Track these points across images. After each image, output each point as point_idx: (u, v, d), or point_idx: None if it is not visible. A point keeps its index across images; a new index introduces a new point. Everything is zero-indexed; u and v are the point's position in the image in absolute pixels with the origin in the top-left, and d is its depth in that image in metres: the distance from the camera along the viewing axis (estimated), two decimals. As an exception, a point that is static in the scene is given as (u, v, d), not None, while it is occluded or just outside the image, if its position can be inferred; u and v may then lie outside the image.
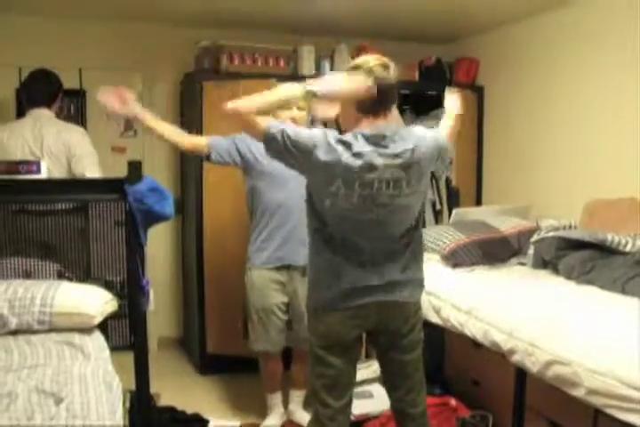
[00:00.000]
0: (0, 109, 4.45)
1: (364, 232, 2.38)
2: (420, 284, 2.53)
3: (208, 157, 3.27)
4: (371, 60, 2.38)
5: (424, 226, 4.50)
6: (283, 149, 2.30)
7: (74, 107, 4.58)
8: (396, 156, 2.32)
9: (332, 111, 2.53)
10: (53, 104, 3.76)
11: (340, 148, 2.28)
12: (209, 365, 4.27)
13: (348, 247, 2.38)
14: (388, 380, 2.61)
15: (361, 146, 2.30)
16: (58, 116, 3.81)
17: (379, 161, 2.29)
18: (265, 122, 2.33)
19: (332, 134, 2.33)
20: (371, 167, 2.28)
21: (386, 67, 2.35)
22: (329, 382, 2.48)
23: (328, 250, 2.40)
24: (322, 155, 2.27)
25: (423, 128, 2.51)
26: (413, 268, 2.48)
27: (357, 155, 2.28)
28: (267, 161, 3.11)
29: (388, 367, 2.58)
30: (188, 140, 3.25)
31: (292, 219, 3.22)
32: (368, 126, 2.35)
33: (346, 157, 2.27)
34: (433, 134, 2.47)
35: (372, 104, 2.34)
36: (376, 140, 2.32)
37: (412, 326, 2.49)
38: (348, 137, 2.32)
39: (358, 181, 2.29)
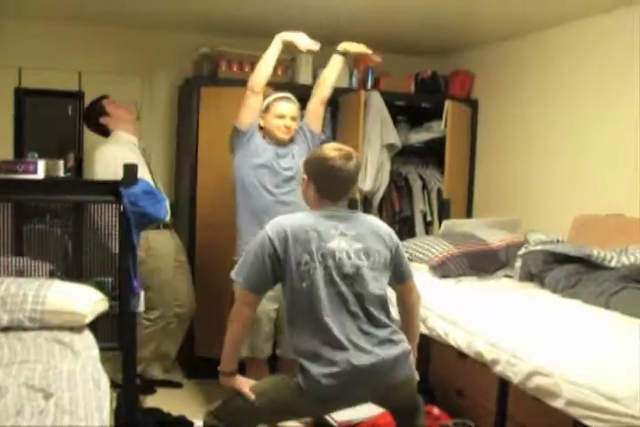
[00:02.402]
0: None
1: None
2: None
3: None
4: (333, 150, 2.48)
5: (414, 237, 4.57)
6: None
7: (72, 108, 4.60)
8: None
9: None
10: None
11: None
12: (196, 368, 4.29)
13: None
14: None
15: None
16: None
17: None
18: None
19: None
20: None
21: (348, 158, 2.45)
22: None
23: None
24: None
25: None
26: None
27: None
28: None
29: None
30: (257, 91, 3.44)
31: None
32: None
33: None
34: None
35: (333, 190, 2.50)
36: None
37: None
38: None
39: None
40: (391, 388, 2.43)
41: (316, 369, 2.31)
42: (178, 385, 4.14)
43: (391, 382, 2.40)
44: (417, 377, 2.58)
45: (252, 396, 2.40)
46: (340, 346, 2.32)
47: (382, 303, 2.45)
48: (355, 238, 2.43)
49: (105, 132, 3.97)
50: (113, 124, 3.94)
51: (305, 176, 2.55)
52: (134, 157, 3.77)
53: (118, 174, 2.76)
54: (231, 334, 2.48)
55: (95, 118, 3.97)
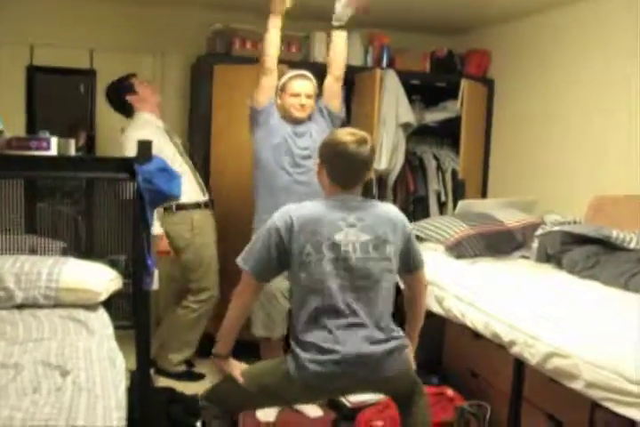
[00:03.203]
0: (11, 87, 4.43)
1: None
2: None
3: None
4: (346, 134, 2.41)
5: (428, 217, 4.53)
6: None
7: (84, 86, 4.57)
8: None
9: None
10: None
11: None
12: (209, 348, 4.25)
13: None
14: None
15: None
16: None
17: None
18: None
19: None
20: None
21: (361, 142, 2.38)
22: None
23: None
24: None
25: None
26: None
27: None
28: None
29: None
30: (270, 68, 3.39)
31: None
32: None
33: None
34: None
35: (344, 175, 2.43)
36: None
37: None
38: None
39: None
40: (381, 381, 2.41)
41: (305, 356, 2.29)
42: (200, 377, 4.08)
43: (380, 376, 2.37)
44: (413, 367, 2.55)
45: (241, 379, 2.41)
46: (333, 337, 2.30)
47: (387, 296, 2.42)
48: (364, 229, 2.38)
49: (127, 110, 3.87)
50: (138, 103, 3.84)
51: (318, 160, 2.49)
52: (164, 142, 3.74)
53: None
54: (230, 317, 2.48)
55: (121, 95, 3.86)
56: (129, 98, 3.84)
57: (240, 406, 2.60)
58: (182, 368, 4.01)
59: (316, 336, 2.31)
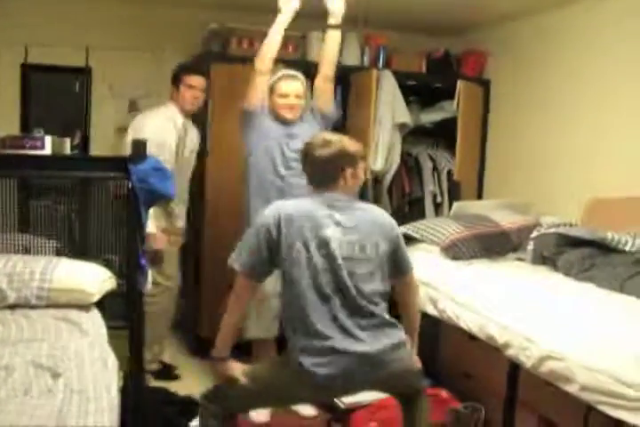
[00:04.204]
0: (5, 86, 4.41)
1: None
2: None
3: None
4: (314, 138, 2.55)
5: (424, 218, 4.52)
6: None
7: (79, 85, 4.55)
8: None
9: None
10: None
11: None
12: (202, 348, 4.25)
13: None
14: None
15: None
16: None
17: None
18: None
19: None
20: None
21: (322, 145, 2.47)
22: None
23: None
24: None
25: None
26: None
27: None
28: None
29: None
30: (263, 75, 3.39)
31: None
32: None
33: None
34: None
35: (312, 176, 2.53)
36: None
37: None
38: None
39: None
40: (388, 377, 2.40)
41: (308, 360, 2.28)
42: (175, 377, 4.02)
43: (386, 371, 2.36)
44: (418, 364, 2.55)
45: (244, 379, 2.40)
46: (329, 336, 2.29)
47: (375, 294, 2.41)
48: (350, 229, 2.40)
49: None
50: (175, 94, 3.82)
51: None
52: (168, 134, 3.68)
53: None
54: (228, 321, 2.47)
55: (173, 79, 3.87)
56: (173, 84, 3.84)
57: (244, 406, 2.60)
58: (155, 366, 3.94)
59: (312, 338, 2.30)
